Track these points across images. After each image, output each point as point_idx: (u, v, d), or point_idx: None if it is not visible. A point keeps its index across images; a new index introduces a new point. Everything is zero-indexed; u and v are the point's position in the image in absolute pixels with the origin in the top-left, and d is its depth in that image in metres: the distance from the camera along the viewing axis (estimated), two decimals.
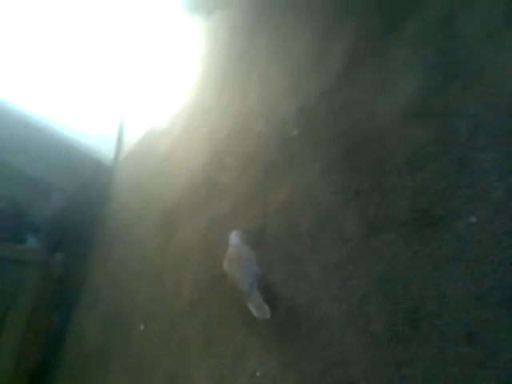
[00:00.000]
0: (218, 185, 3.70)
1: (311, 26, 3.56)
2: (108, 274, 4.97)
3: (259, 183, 3.19)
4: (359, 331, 1.96)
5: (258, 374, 2.34)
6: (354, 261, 2.15)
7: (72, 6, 7.70)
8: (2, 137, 5.68)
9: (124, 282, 4.49)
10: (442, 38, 2.38)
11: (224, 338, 2.76)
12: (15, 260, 5.38)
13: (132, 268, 4.48)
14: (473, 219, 1.75)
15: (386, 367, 1.78)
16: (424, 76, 2.35)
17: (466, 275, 1.68)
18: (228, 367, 2.58)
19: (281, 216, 2.82)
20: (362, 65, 2.81)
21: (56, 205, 6.45)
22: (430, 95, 2.25)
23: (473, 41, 2.22)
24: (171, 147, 5.20)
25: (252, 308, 2.49)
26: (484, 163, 1.84)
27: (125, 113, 8.07)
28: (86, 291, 5.24)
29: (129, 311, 4.03)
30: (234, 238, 2.74)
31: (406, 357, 1.73)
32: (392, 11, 2.81)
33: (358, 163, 2.43)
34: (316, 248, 2.41)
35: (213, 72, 5.18)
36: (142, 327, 3.66)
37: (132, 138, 6.98)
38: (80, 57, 7.62)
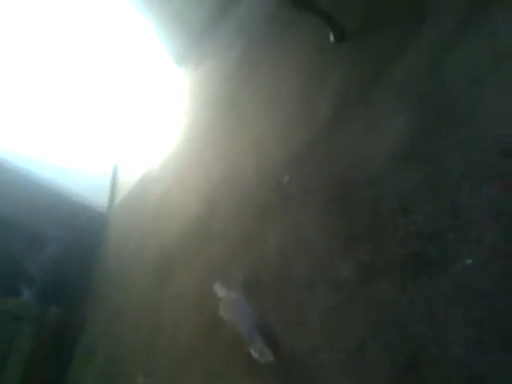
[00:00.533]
0: (211, 231, 3.69)
1: (299, 75, 3.65)
2: (104, 324, 4.89)
3: (252, 229, 3.19)
4: (358, 379, 1.93)
5: None
6: (350, 307, 2.13)
7: (63, 52, 7.82)
8: None
9: (120, 332, 4.41)
10: (429, 83, 2.45)
11: None
12: (10, 313, 5.30)
13: (128, 316, 4.42)
14: (468, 261, 1.75)
15: None
16: (412, 120, 2.39)
17: (465, 319, 1.66)
18: None
19: (275, 261, 2.80)
20: (350, 111, 2.87)
21: (51, 255, 6.39)
22: (418, 139, 2.29)
23: (458, 86, 2.27)
24: (164, 194, 5.23)
25: (254, 352, 2.45)
26: (476, 205, 1.85)
27: (118, 160, 8.13)
28: (82, 343, 5.13)
29: (127, 363, 3.94)
30: (220, 289, 2.73)
31: None
32: (378, 58, 2.89)
33: (350, 209, 2.44)
34: (312, 294, 2.38)
35: (202, 120, 5.26)
36: (140, 380, 3.58)
37: (125, 185, 7.02)
38: (72, 106, 7.70)
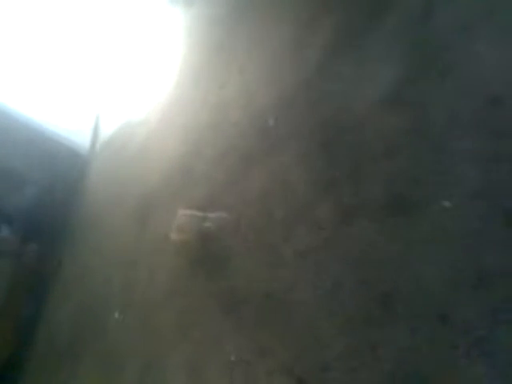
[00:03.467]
0: (195, 174, 3.68)
1: (291, 19, 3.56)
2: (82, 264, 4.93)
3: (236, 172, 3.19)
4: (334, 315, 1.98)
5: (232, 358, 2.35)
6: (328, 247, 2.17)
7: None
8: None
9: (98, 272, 4.45)
10: (420, 31, 2.40)
11: (200, 324, 2.76)
12: None
13: (106, 257, 4.45)
14: (446, 204, 1.77)
15: (360, 349, 1.80)
16: (401, 68, 2.36)
17: (440, 259, 1.70)
18: (203, 353, 2.59)
19: (257, 204, 2.82)
20: (341, 56, 2.81)
21: (30, 195, 6.34)
22: (406, 86, 2.26)
23: (449, 33, 2.24)
24: (148, 137, 5.15)
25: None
26: (459, 151, 1.85)
27: (102, 103, 7.97)
28: (59, 281, 5.17)
29: (103, 300, 4.00)
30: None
31: (380, 338, 1.75)
32: (372, 5, 2.83)
33: (334, 152, 2.43)
34: (291, 235, 2.42)
35: (191, 63, 5.14)
36: (116, 315, 3.64)
37: (108, 128, 6.89)
38: (57, 46, 7.50)
